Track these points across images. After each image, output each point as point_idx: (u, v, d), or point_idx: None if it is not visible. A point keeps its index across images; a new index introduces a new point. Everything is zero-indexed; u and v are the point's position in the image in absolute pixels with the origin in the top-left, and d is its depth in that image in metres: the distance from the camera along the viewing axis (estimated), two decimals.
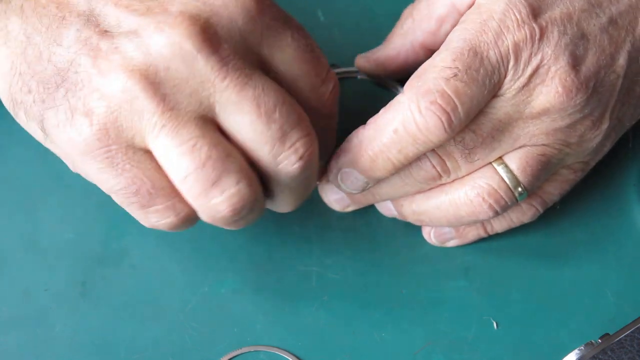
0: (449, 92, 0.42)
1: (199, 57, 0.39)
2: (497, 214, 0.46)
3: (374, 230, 0.51)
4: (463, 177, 0.46)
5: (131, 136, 0.41)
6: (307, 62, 0.43)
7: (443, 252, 0.51)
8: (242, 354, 0.49)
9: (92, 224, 0.51)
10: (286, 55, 0.42)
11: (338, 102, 0.45)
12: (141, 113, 0.40)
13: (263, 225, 0.51)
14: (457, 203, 0.46)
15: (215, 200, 0.41)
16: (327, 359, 0.49)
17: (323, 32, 0.55)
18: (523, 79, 0.43)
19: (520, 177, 0.45)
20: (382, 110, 0.44)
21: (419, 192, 0.47)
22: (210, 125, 0.40)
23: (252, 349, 0.49)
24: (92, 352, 0.49)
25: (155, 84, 0.39)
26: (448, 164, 0.45)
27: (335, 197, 0.50)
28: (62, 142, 0.41)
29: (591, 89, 0.44)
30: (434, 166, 0.45)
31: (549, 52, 0.43)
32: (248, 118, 0.40)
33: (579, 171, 0.48)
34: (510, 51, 0.43)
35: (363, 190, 0.47)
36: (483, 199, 0.46)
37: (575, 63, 0.43)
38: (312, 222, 0.51)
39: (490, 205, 0.46)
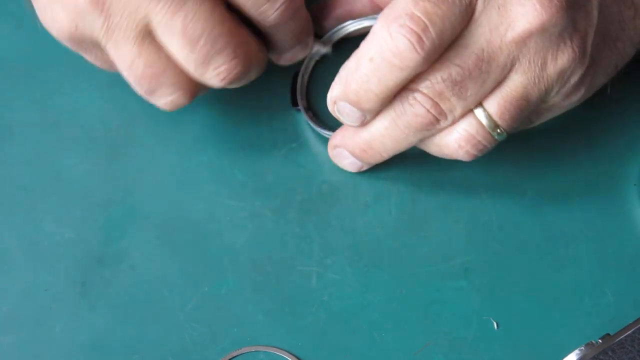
0: (418, 14, 0.42)
1: None
2: (476, 157, 0.47)
3: (374, 230, 0.51)
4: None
5: (92, 41, 0.47)
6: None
7: (443, 252, 0.51)
8: (242, 354, 0.49)
9: (92, 224, 0.52)
10: None
11: (299, 9, 0.48)
12: (92, 27, 0.46)
13: (263, 225, 0.51)
14: (441, 146, 0.47)
15: (160, 102, 0.48)
16: (327, 359, 0.49)
17: None
18: (497, 0, 0.43)
19: (499, 121, 0.45)
20: (362, 42, 0.45)
21: (423, 141, 0.47)
22: (150, 41, 0.46)
23: (252, 349, 0.49)
24: (92, 352, 0.49)
25: (104, 4, 0.45)
26: (442, 105, 0.45)
27: (347, 162, 0.51)
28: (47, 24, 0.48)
29: (570, 11, 0.43)
30: (428, 110, 0.45)
31: None
32: (176, 41, 0.45)
33: (552, 110, 0.48)
34: None
35: (362, 122, 0.47)
36: (460, 145, 0.46)
37: None
38: (312, 222, 0.51)
39: (468, 151, 0.47)
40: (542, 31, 0.43)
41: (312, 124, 0.52)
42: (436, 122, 0.45)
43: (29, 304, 0.50)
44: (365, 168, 0.51)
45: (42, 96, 0.54)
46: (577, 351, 0.46)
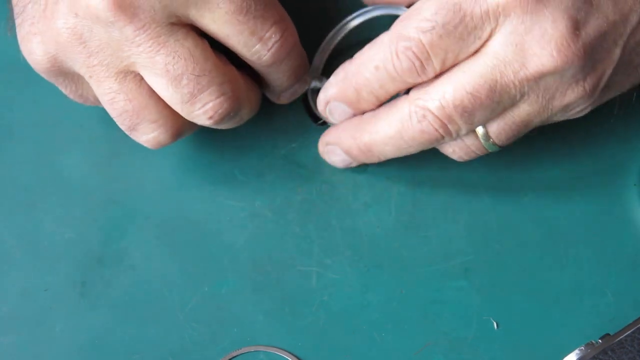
0: (424, 43, 0.44)
1: (115, 26, 0.44)
2: (465, 160, 0.49)
3: (374, 230, 0.51)
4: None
5: (71, 74, 0.47)
6: (239, 23, 0.45)
7: (443, 252, 0.51)
8: (242, 354, 0.49)
9: (92, 224, 0.52)
10: (216, 15, 0.45)
11: (294, 48, 0.47)
12: (72, 62, 0.46)
13: (263, 225, 0.51)
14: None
15: (142, 139, 0.48)
16: (327, 359, 0.49)
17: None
18: (516, 36, 0.43)
19: (495, 140, 0.46)
20: (367, 46, 0.46)
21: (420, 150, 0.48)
22: (132, 77, 0.46)
23: (252, 349, 0.49)
24: (92, 352, 0.49)
25: (84, 42, 0.45)
26: (449, 126, 0.45)
27: (338, 158, 0.51)
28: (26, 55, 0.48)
29: (588, 56, 0.43)
30: (436, 130, 0.46)
31: (547, 14, 0.43)
32: (160, 80, 0.45)
33: (550, 122, 0.48)
34: (500, 7, 0.43)
35: (349, 117, 0.49)
36: (453, 150, 0.48)
37: (575, 28, 0.43)
38: (312, 222, 0.51)
39: (460, 157, 0.48)
40: (554, 74, 0.44)
41: None
42: (441, 138, 0.46)
43: (29, 304, 0.50)
44: (353, 165, 0.51)
45: (42, 96, 0.54)
46: (577, 351, 0.46)
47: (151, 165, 0.53)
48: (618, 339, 0.46)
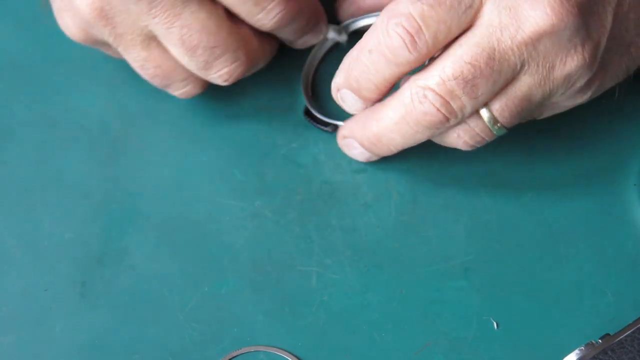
0: (414, 15, 0.44)
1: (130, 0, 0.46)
2: (474, 147, 0.48)
3: (374, 230, 0.51)
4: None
5: (104, 43, 0.50)
6: None
7: (443, 252, 0.51)
8: (242, 354, 0.49)
9: (92, 224, 0.52)
10: None
11: (298, 13, 0.49)
12: (101, 35, 0.49)
13: (263, 225, 0.51)
14: (442, 134, 0.48)
15: (175, 94, 0.51)
16: (327, 359, 0.49)
17: None
18: (507, 1, 0.43)
19: (500, 119, 0.46)
20: (365, 33, 0.46)
21: (431, 138, 0.48)
22: (156, 44, 0.49)
23: (252, 349, 0.49)
24: (92, 352, 0.49)
25: (107, 16, 0.47)
26: (452, 103, 0.45)
27: (357, 152, 0.51)
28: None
29: (581, 17, 0.43)
30: (438, 109, 0.45)
31: None
32: (176, 50, 0.48)
33: (549, 109, 0.48)
34: None
35: (362, 109, 0.49)
36: (458, 135, 0.47)
37: None
38: (312, 222, 0.51)
39: (466, 142, 0.47)
40: (551, 34, 0.43)
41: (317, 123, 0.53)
42: (446, 120, 0.45)
43: (29, 304, 0.50)
44: (374, 159, 0.51)
45: (42, 96, 0.54)
46: (577, 351, 0.46)
47: (151, 165, 0.53)
48: (618, 339, 0.46)
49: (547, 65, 0.44)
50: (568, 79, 0.45)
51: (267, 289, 0.50)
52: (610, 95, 0.50)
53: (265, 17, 0.48)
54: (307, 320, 0.50)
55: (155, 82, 0.50)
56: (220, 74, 0.49)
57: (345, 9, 0.54)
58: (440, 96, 0.44)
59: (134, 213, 0.52)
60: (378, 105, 0.48)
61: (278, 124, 0.53)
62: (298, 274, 0.50)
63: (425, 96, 0.45)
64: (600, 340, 0.46)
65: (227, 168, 0.53)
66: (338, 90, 0.49)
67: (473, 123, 0.46)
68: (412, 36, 0.44)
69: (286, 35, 0.51)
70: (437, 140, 0.48)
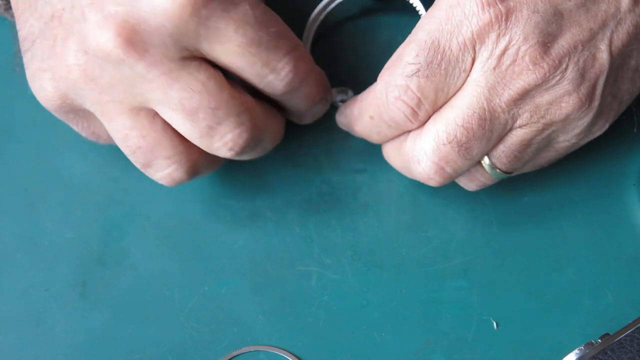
0: (412, 89, 0.45)
1: (126, 64, 0.43)
2: (476, 190, 0.49)
3: (374, 230, 0.51)
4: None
5: (82, 111, 0.46)
6: (251, 54, 0.44)
7: (443, 252, 0.51)
8: (242, 354, 0.49)
9: (92, 224, 0.52)
10: (227, 48, 0.44)
11: (308, 74, 0.47)
12: (83, 100, 0.45)
13: (263, 225, 0.51)
14: None
15: (156, 176, 0.47)
16: (327, 359, 0.49)
17: None
18: (492, 61, 0.44)
19: (498, 164, 0.46)
20: (365, 92, 0.48)
21: None
22: (145, 113, 0.45)
23: (252, 349, 0.49)
24: (92, 352, 0.49)
25: (95, 79, 0.44)
26: (447, 168, 0.46)
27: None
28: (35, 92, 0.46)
29: (566, 64, 0.44)
30: (431, 177, 0.46)
31: (518, 31, 0.43)
32: (176, 116, 0.44)
33: (562, 150, 0.48)
34: (475, 35, 0.43)
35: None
36: (460, 180, 0.49)
37: (546, 40, 0.43)
38: (312, 222, 0.51)
39: (466, 184, 0.49)
40: (538, 87, 0.44)
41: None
42: (441, 183, 0.47)
43: (29, 304, 0.50)
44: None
45: None
46: (577, 351, 0.46)
47: None
48: (618, 338, 0.46)
49: (541, 112, 0.44)
50: (567, 121, 0.45)
51: (267, 289, 0.50)
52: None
53: (276, 79, 0.45)
54: (307, 320, 0.50)
55: (137, 157, 0.46)
56: (225, 141, 0.45)
57: None
58: (436, 163, 0.45)
59: (134, 213, 0.52)
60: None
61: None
62: (298, 274, 0.50)
63: (420, 161, 0.46)
64: (600, 340, 0.46)
65: (227, 168, 0.53)
66: (341, 125, 0.51)
67: (475, 171, 0.47)
68: (412, 109, 0.45)
69: (296, 103, 0.48)
70: None
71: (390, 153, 0.49)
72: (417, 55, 0.44)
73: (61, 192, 0.52)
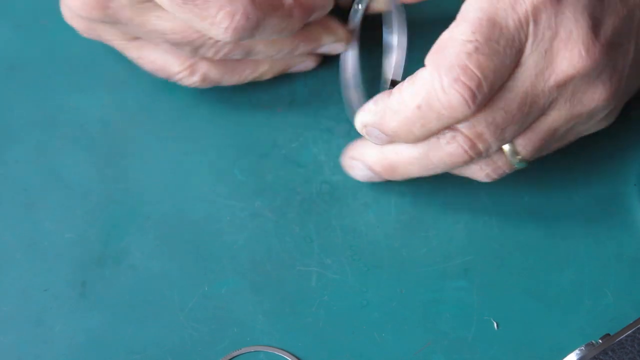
0: (472, 67, 0.41)
1: None
2: (495, 180, 0.47)
3: (374, 230, 0.51)
4: None
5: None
6: (184, 11, 0.44)
7: (443, 252, 0.51)
8: (242, 354, 0.49)
9: (92, 224, 0.51)
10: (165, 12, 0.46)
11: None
12: (102, 31, 0.50)
13: (263, 225, 0.51)
14: (460, 168, 0.47)
15: (182, 83, 0.51)
16: (327, 359, 0.49)
17: None
18: (544, 44, 0.42)
19: (522, 152, 0.45)
20: (406, 82, 0.44)
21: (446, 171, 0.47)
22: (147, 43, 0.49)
23: (252, 349, 0.49)
24: (92, 352, 0.49)
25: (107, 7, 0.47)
26: (480, 145, 0.44)
27: (362, 174, 0.50)
28: None
29: (610, 52, 0.43)
30: (466, 151, 0.44)
31: (569, 14, 0.42)
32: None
33: (572, 138, 0.47)
34: (530, 15, 0.42)
35: (384, 143, 0.47)
36: (480, 167, 0.46)
37: (595, 24, 0.42)
38: (312, 222, 0.51)
39: (488, 174, 0.47)
40: (583, 74, 0.43)
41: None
42: (470, 160, 0.45)
43: (29, 304, 0.50)
44: (376, 180, 0.50)
45: (42, 96, 0.54)
46: (577, 351, 0.46)
47: (151, 165, 0.53)
48: (618, 339, 0.46)
49: (575, 101, 0.44)
50: (594, 111, 0.45)
51: (267, 289, 0.50)
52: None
53: (219, 31, 0.45)
54: (307, 320, 0.50)
55: (157, 75, 0.51)
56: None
57: None
58: (470, 139, 0.44)
59: (134, 213, 0.52)
60: None
61: (278, 124, 0.53)
62: (298, 274, 0.50)
63: (454, 137, 0.44)
64: (600, 341, 0.46)
65: (227, 168, 0.53)
66: (365, 126, 0.46)
67: (496, 157, 0.46)
68: (472, 91, 0.41)
69: (265, 50, 0.48)
70: (455, 172, 0.48)
71: (402, 149, 0.46)
72: (473, 32, 0.41)
73: (61, 192, 0.52)
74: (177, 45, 0.47)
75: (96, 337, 0.49)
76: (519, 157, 0.46)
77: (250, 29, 0.45)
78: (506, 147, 0.45)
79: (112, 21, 0.48)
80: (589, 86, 0.44)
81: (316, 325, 0.49)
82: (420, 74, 0.43)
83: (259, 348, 0.49)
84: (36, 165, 0.53)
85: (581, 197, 0.52)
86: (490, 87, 0.42)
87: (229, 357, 0.49)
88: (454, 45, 0.42)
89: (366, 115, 0.46)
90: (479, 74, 0.41)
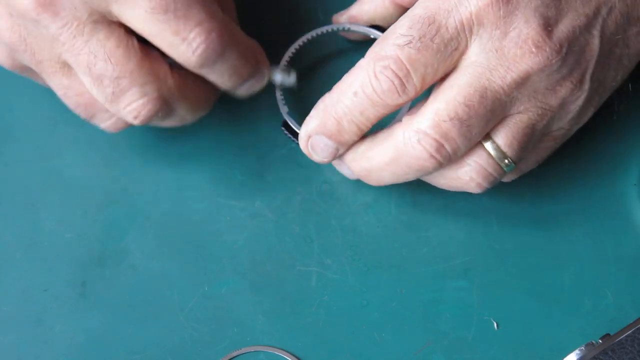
0: (402, 59, 0.44)
1: (41, 24, 0.44)
2: (486, 189, 0.47)
3: (374, 230, 0.51)
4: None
5: (31, 69, 0.48)
6: (160, 22, 0.44)
7: (443, 252, 0.51)
8: (242, 354, 0.49)
9: (92, 224, 0.52)
10: (137, 13, 0.44)
11: (227, 48, 0.46)
12: (25, 61, 0.47)
13: (263, 225, 0.51)
14: (448, 178, 0.47)
15: (101, 126, 0.49)
16: (327, 359, 0.49)
17: None
18: (493, 42, 0.44)
19: (508, 152, 0.46)
20: (345, 75, 0.46)
21: (428, 176, 0.48)
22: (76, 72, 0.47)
23: (252, 349, 0.49)
24: (91, 352, 0.49)
25: (26, 42, 0.46)
26: (447, 146, 0.45)
27: (347, 172, 0.50)
28: None
29: (566, 49, 0.44)
30: (432, 155, 0.45)
31: (519, 14, 0.43)
32: (85, 79, 0.46)
33: (559, 138, 0.48)
34: (473, 16, 0.43)
35: (334, 158, 0.48)
36: (471, 178, 0.46)
37: (547, 24, 0.44)
38: (312, 222, 0.51)
39: (479, 184, 0.47)
40: (539, 72, 0.44)
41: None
42: (438, 165, 0.45)
43: (29, 304, 0.50)
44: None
45: (42, 96, 0.54)
46: (577, 351, 0.46)
47: (151, 165, 0.53)
48: (618, 339, 0.46)
49: (539, 96, 0.45)
50: (563, 104, 0.45)
51: (267, 289, 0.50)
52: (609, 106, 0.50)
53: (187, 50, 0.45)
54: (307, 320, 0.50)
55: (80, 111, 0.48)
56: (129, 110, 0.46)
57: (340, 19, 0.53)
58: (435, 140, 0.44)
59: (134, 213, 0.52)
60: (368, 139, 0.47)
61: (278, 124, 0.53)
62: (298, 274, 0.50)
63: (419, 141, 0.45)
64: (600, 341, 0.46)
65: (227, 168, 0.53)
66: (309, 137, 0.47)
67: (484, 162, 0.46)
68: (400, 79, 0.44)
69: (220, 77, 0.47)
70: (447, 186, 0.48)
71: (373, 155, 0.47)
72: (410, 28, 0.44)
73: (61, 192, 0.52)
74: (98, 81, 0.46)
75: (96, 337, 0.49)
76: (507, 159, 0.46)
77: (220, 51, 0.46)
78: (491, 150, 0.46)
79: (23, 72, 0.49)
80: (549, 82, 0.44)
81: (316, 325, 0.49)
82: (359, 63, 0.45)
83: (259, 348, 0.49)
84: (36, 165, 0.53)
85: (581, 197, 0.52)
86: (421, 79, 0.44)
87: (229, 357, 0.49)
88: (391, 37, 0.44)
89: (309, 124, 0.47)
90: (407, 66, 0.44)
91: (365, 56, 0.45)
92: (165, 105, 0.47)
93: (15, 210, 0.52)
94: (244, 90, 0.49)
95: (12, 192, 0.52)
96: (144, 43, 0.46)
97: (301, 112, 0.51)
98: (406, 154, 0.45)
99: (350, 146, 0.48)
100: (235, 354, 0.49)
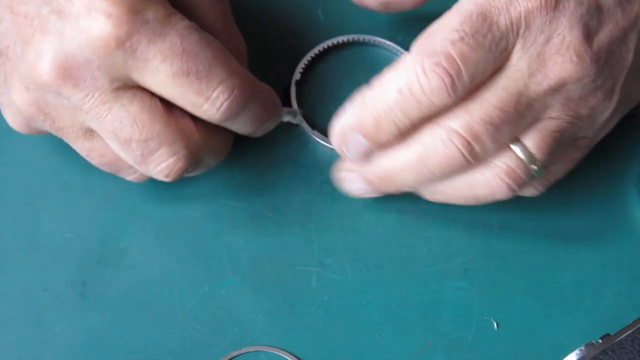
0: (454, 55, 0.42)
1: (63, 95, 0.44)
2: (514, 193, 0.46)
3: (374, 230, 0.51)
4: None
5: (50, 132, 0.48)
6: (182, 85, 0.44)
7: (443, 252, 0.51)
8: (242, 354, 0.49)
9: (92, 224, 0.51)
10: (157, 78, 0.44)
11: (249, 100, 0.46)
12: (43, 127, 0.48)
13: (263, 225, 0.51)
14: (474, 183, 0.46)
15: (128, 179, 0.49)
16: (327, 359, 0.49)
17: (323, 32, 0.55)
18: (536, 47, 0.43)
19: (537, 155, 0.45)
20: (387, 69, 0.44)
21: (450, 181, 0.46)
22: (98, 135, 0.47)
23: (252, 349, 0.49)
24: (91, 352, 0.49)
25: (45, 112, 0.46)
26: (476, 147, 0.44)
27: (355, 187, 0.49)
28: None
29: (603, 61, 0.44)
30: (462, 153, 0.44)
31: (564, 21, 0.43)
32: (112, 144, 0.46)
33: (584, 148, 0.47)
34: (522, 18, 0.43)
35: (365, 156, 0.46)
36: (501, 179, 0.45)
37: (589, 34, 0.43)
38: (312, 222, 0.51)
39: (509, 185, 0.45)
40: (576, 80, 0.43)
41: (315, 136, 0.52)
42: (467, 165, 0.44)
43: (29, 304, 0.50)
44: (373, 196, 0.50)
45: None
46: (577, 351, 0.46)
47: None
48: (618, 339, 0.46)
49: (572, 105, 0.44)
50: (591, 115, 0.45)
51: (267, 289, 0.50)
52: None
53: (211, 108, 0.45)
54: (307, 320, 0.50)
55: (105, 169, 0.48)
56: (159, 170, 0.46)
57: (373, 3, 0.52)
58: (466, 140, 0.43)
59: (134, 213, 0.52)
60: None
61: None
62: (298, 274, 0.50)
63: (450, 140, 0.43)
64: (600, 340, 0.46)
65: (227, 168, 0.53)
66: (344, 134, 0.46)
67: (514, 163, 0.45)
68: (452, 78, 0.42)
69: (242, 126, 0.47)
70: (470, 198, 0.47)
71: (396, 153, 0.46)
72: (462, 23, 0.42)
73: (61, 192, 0.52)
74: (126, 144, 0.46)
75: (96, 337, 0.49)
76: (535, 162, 0.45)
77: (243, 105, 0.45)
78: (520, 153, 0.45)
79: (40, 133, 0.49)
80: (583, 91, 0.44)
81: (316, 325, 0.49)
82: (404, 58, 0.43)
83: (259, 348, 0.49)
84: (36, 165, 0.53)
85: (581, 197, 0.52)
86: (471, 79, 0.42)
87: (229, 357, 0.49)
88: (441, 32, 0.43)
89: (343, 119, 0.46)
90: (460, 63, 0.42)
91: (411, 51, 0.43)
92: (194, 160, 0.46)
93: (15, 210, 0.52)
94: (261, 132, 0.49)
95: (12, 192, 0.52)
96: (165, 101, 0.45)
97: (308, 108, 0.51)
98: (435, 152, 0.44)
99: (384, 148, 0.46)
100: (235, 354, 0.49)
